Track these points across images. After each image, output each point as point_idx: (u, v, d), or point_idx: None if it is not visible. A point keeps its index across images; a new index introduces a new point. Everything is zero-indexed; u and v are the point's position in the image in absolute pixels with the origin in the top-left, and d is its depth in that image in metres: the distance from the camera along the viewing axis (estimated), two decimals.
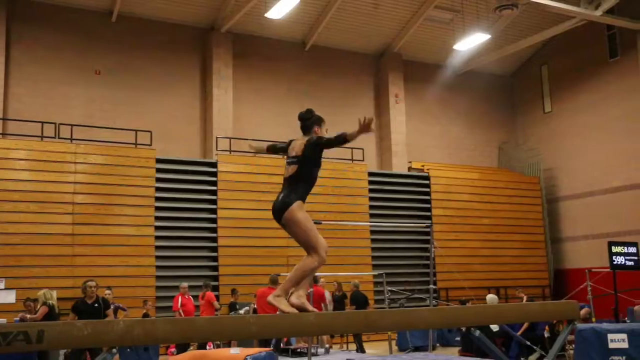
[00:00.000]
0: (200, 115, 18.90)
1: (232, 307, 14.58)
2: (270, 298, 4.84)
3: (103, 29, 17.84)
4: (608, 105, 20.88)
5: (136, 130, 16.57)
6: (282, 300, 4.76)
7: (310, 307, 4.84)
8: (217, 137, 18.00)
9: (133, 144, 16.55)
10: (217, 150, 17.81)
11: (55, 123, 15.79)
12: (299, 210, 4.83)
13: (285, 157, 5.11)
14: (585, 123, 21.56)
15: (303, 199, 4.90)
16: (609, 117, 20.79)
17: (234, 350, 8.12)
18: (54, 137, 15.72)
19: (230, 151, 17.83)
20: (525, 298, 15.60)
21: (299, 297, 4.81)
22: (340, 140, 4.87)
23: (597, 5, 18.51)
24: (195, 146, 18.71)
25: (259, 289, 11.95)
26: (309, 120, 5.13)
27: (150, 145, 16.61)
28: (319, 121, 5.15)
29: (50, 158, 15.34)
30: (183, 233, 16.70)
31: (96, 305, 8.68)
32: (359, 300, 14.37)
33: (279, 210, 4.89)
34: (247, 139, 18.23)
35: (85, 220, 15.40)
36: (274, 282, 11.44)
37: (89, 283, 8.81)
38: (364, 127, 4.68)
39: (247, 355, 7.69)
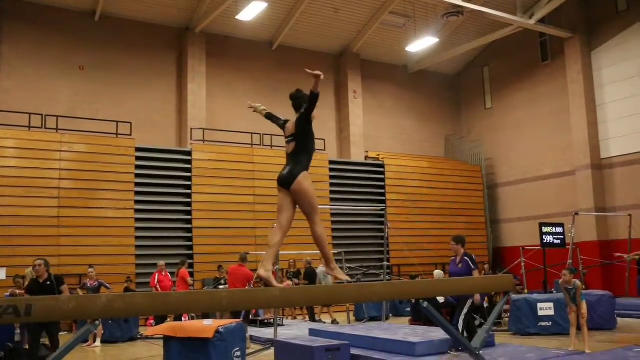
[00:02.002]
0: (176, 108, 18.67)
1: (217, 281, 14.54)
2: (326, 270, 5.21)
3: (87, 27, 17.47)
4: (539, 103, 21.23)
5: (117, 122, 16.31)
6: (338, 271, 5.17)
7: (274, 282, 4.84)
8: (191, 128, 17.83)
9: (114, 134, 16.29)
10: (191, 140, 17.65)
11: (42, 114, 15.45)
12: (305, 181, 4.92)
13: (284, 136, 5.17)
14: (520, 118, 21.90)
15: (307, 169, 5.00)
16: (540, 114, 21.15)
17: (208, 322, 8.07)
18: (41, 127, 15.38)
19: (203, 141, 17.67)
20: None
21: (266, 270, 4.81)
22: (313, 98, 4.95)
23: (531, 15, 18.79)
24: (172, 136, 18.49)
25: (229, 266, 11.90)
26: (298, 100, 5.16)
27: (130, 135, 16.37)
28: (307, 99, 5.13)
29: (37, 147, 15.04)
30: (160, 215, 16.53)
31: (48, 283, 8.06)
32: (312, 276, 14.45)
33: (286, 180, 4.94)
34: (219, 130, 18.18)
35: (70, 204, 15.14)
36: (243, 259, 11.38)
37: (36, 262, 8.22)
38: (315, 76, 4.79)
39: (219, 326, 7.64)
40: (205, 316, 11.02)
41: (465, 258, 8.61)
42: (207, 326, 7.68)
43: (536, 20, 18.78)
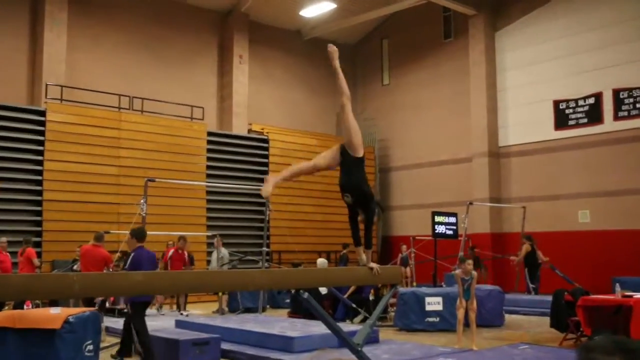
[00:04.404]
0: (29, 59, 17.55)
1: (74, 262, 13.51)
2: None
3: None
4: (440, 83, 21.96)
5: None
6: None
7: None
8: (47, 84, 16.85)
9: None
10: (46, 98, 16.70)
11: None
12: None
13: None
14: (418, 99, 22.55)
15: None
16: (440, 95, 21.88)
17: (55, 310, 7.67)
18: None
19: (61, 100, 16.77)
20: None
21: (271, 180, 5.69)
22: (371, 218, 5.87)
23: None
24: (22, 92, 17.38)
25: (83, 246, 11.40)
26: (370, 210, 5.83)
27: None
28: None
29: None
30: (3, 184, 15.56)
31: None
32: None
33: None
34: (81, 89, 17.33)
35: None
36: (99, 239, 10.92)
37: None
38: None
39: (69, 316, 7.29)
40: (54, 303, 10.52)
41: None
42: (53, 315, 7.31)
43: None
